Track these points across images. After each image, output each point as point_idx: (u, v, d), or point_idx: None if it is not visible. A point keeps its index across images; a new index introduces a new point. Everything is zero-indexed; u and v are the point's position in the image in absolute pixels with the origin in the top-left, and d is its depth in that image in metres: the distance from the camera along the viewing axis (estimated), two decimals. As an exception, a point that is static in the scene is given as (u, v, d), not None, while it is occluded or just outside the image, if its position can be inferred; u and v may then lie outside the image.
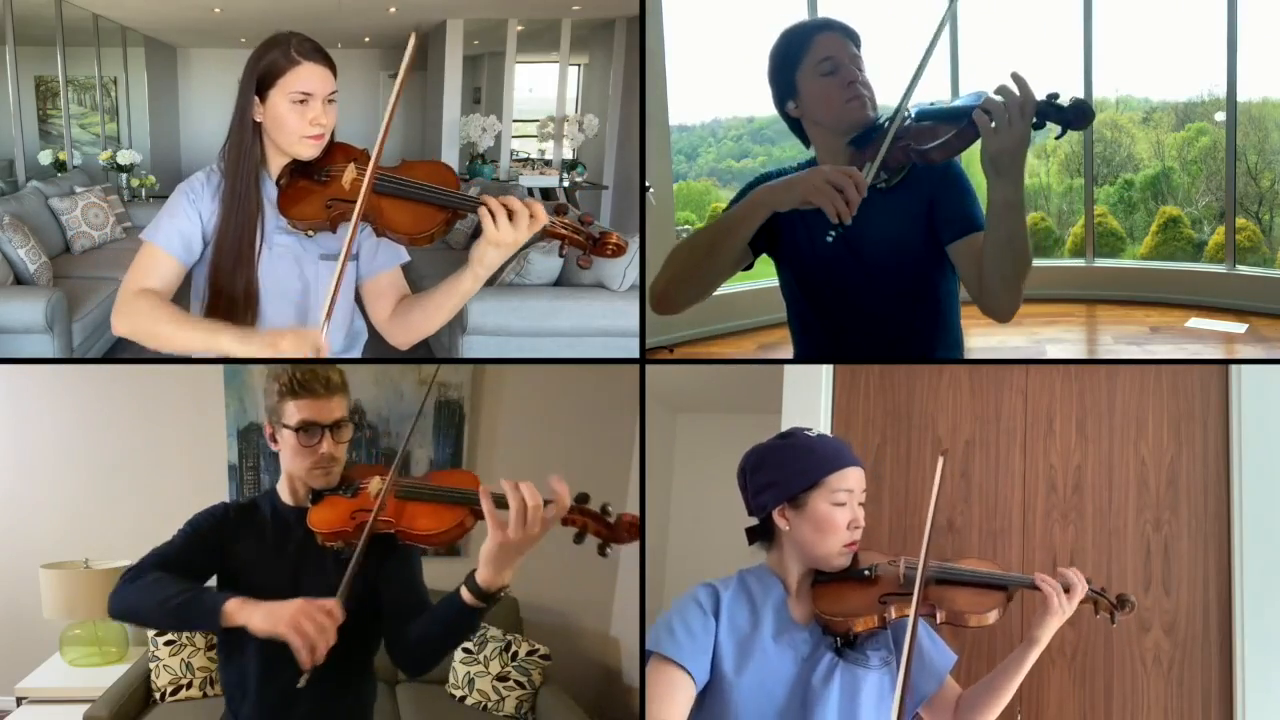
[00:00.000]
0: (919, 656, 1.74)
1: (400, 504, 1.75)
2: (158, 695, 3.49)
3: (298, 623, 1.60)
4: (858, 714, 1.65)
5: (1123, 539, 2.68)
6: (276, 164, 1.89)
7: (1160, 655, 2.63)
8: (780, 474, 1.72)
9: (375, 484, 1.79)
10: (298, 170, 1.86)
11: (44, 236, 5.04)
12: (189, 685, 3.48)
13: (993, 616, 1.69)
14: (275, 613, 1.62)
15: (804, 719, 1.64)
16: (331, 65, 1.86)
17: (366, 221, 1.79)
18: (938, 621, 1.72)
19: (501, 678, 3.59)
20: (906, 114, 1.83)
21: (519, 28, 8.13)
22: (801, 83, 1.91)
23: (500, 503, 1.61)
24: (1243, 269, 5.54)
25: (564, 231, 1.75)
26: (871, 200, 1.77)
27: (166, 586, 1.72)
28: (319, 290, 1.91)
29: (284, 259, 1.92)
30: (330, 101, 1.84)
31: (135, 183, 7.69)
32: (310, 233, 1.86)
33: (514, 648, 3.63)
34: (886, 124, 1.83)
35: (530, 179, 8.30)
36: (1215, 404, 2.69)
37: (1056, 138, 1.74)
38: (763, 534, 1.79)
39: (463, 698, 3.63)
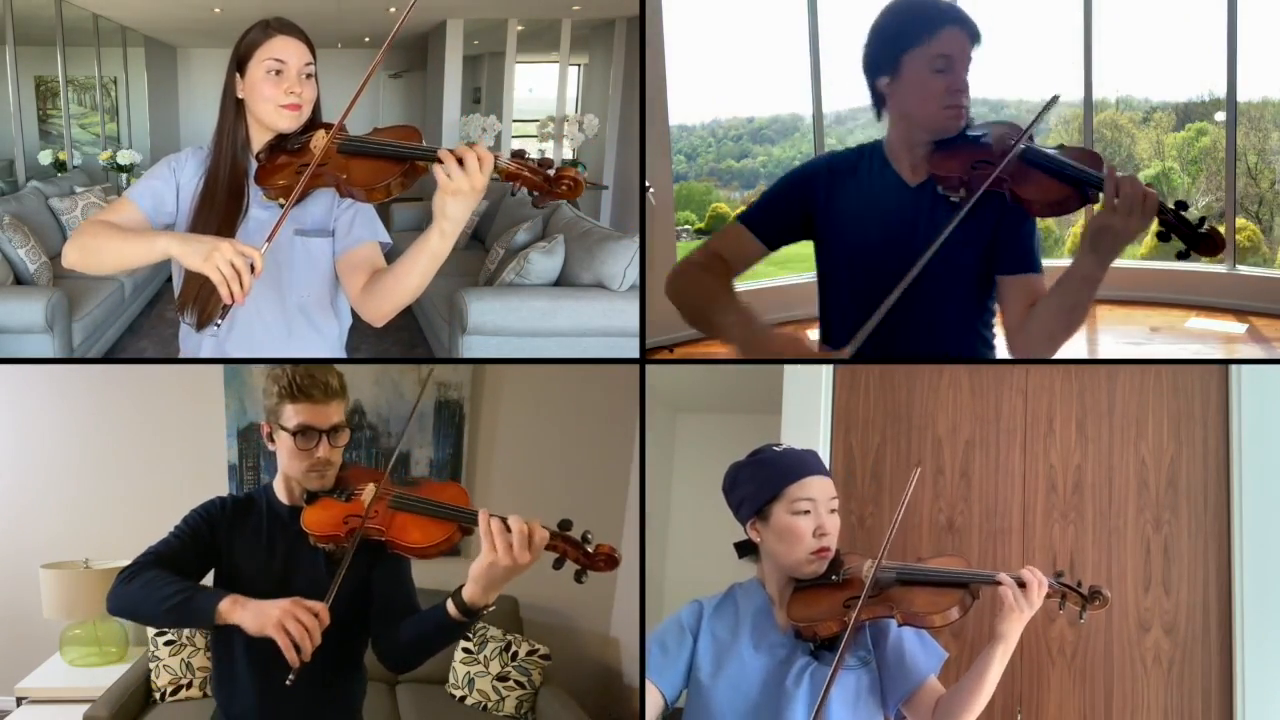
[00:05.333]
0: (896, 656, 1.78)
1: (392, 514, 1.78)
2: (158, 695, 3.49)
3: (284, 623, 1.64)
4: (829, 712, 1.69)
5: (1123, 539, 2.68)
6: (259, 142, 1.95)
7: (1160, 655, 2.63)
8: (748, 489, 1.80)
9: (369, 491, 1.81)
10: (276, 145, 1.92)
11: (44, 236, 5.03)
12: (189, 685, 3.48)
13: (954, 614, 1.70)
14: (264, 612, 1.66)
15: (776, 718, 1.71)
16: (307, 41, 1.92)
17: (333, 185, 1.82)
18: (897, 623, 1.74)
19: (501, 678, 3.59)
20: (1019, 148, 1.80)
21: (519, 28, 8.12)
22: (907, 67, 1.84)
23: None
24: (1243, 269, 5.55)
25: (517, 170, 1.73)
26: (941, 210, 1.80)
27: (163, 586, 1.74)
28: (294, 265, 1.94)
29: (259, 234, 1.94)
30: (307, 76, 1.91)
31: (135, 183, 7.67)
32: (283, 201, 1.89)
33: (514, 648, 3.62)
34: (981, 137, 1.84)
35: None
36: (1215, 404, 2.69)
37: (1178, 255, 1.69)
38: (749, 548, 1.86)
39: (463, 698, 3.63)
